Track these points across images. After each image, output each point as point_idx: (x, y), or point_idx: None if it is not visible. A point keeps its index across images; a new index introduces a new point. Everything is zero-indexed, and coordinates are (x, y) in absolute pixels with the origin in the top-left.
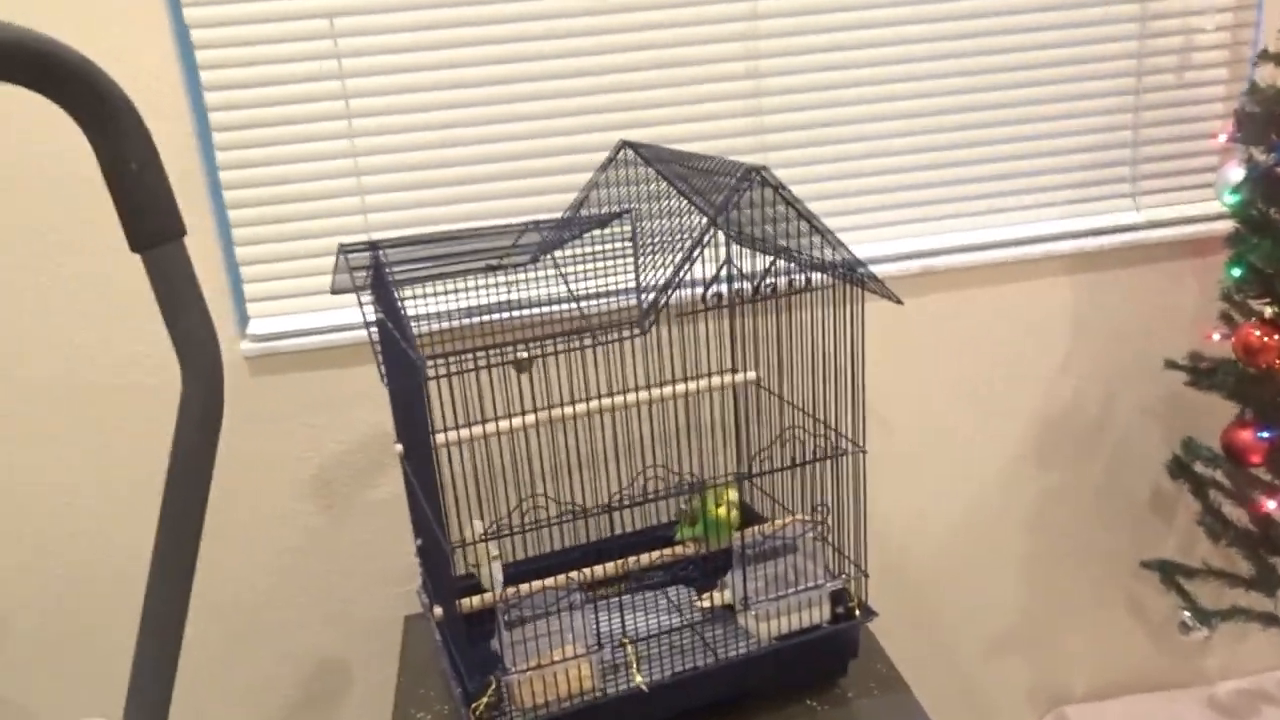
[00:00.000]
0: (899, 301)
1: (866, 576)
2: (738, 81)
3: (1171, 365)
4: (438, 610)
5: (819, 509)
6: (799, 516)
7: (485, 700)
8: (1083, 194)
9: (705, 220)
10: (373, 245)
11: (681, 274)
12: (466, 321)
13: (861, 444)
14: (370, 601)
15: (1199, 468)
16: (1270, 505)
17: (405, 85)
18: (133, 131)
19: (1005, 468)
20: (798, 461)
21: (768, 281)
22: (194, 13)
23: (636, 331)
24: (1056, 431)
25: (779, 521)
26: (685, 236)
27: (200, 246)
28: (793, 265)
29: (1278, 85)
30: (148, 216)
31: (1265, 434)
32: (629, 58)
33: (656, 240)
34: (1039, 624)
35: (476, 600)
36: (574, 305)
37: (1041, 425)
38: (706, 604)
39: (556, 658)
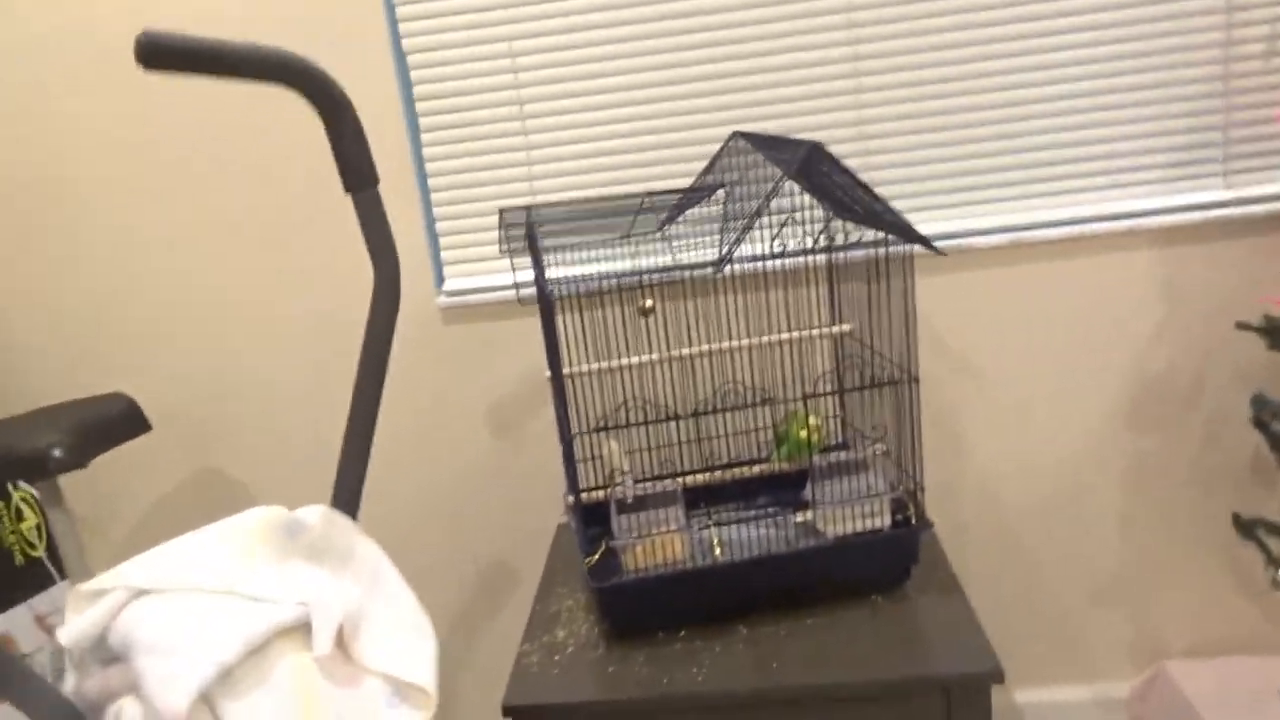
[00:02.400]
0: (941, 253)
1: (922, 490)
2: (841, 79)
3: (1243, 326)
4: (569, 498)
5: (875, 429)
6: (877, 444)
7: (595, 557)
8: (1174, 173)
9: (773, 185)
10: (526, 209)
11: (753, 223)
12: (599, 280)
13: (914, 374)
14: (531, 513)
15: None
16: None
17: (566, 91)
18: (349, 117)
19: (1100, 429)
20: (852, 387)
21: (824, 235)
22: (410, 42)
23: (715, 271)
24: (1152, 394)
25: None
26: (765, 202)
27: (408, 223)
28: (849, 224)
29: None
30: (354, 170)
31: None
32: (749, 63)
33: (743, 209)
34: (1137, 580)
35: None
36: (681, 269)
37: (1137, 389)
38: (799, 520)
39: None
